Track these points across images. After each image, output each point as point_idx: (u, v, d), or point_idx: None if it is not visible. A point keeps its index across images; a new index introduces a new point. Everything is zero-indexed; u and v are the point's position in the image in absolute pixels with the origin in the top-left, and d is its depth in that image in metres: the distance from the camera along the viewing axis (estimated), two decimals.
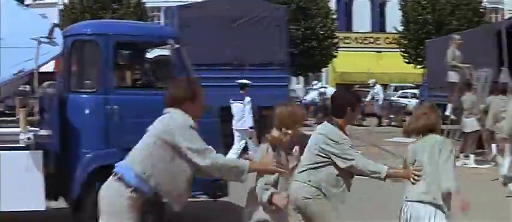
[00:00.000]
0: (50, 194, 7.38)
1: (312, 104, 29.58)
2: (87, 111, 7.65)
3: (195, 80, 5.68)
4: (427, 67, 23.96)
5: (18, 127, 7.13)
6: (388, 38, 44.00)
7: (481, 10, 37.48)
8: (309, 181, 5.36)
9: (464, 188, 5.28)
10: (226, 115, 13.45)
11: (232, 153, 13.62)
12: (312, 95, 30.38)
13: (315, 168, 5.39)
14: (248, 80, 15.36)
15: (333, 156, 5.37)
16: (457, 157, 11.35)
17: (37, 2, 49.62)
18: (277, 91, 15.55)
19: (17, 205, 7.06)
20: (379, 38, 49.64)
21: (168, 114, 4.64)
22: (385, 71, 43.20)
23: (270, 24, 17.05)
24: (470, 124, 14.64)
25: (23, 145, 7.05)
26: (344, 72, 44.35)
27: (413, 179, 5.27)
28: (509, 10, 44.14)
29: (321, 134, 5.52)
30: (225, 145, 10.95)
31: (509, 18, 24.07)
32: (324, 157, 5.38)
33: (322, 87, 31.56)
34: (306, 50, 35.50)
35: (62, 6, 41.66)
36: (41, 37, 7.25)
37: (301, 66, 36.44)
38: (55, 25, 7.74)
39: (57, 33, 7.60)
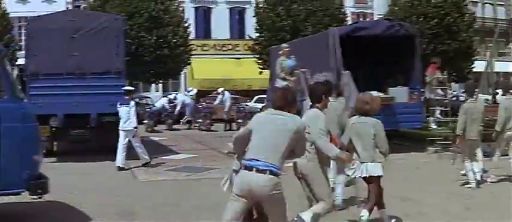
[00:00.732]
0: None
1: (163, 111, 30.57)
2: None
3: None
4: (271, 72, 25.38)
5: None
6: (247, 44, 44.44)
7: (341, 15, 38.66)
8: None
9: None
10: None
11: (120, 149, 15.27)
12: (162, 102, 31.37)
13: None
14: (89, 89, 16.56)
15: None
16: None
17: None
18: (114, 98, 16.04)
19: None
20: (238, 44, 50.82)
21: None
22: (245, 76, 44.59)
23: (108, 35, 17.36)
24: None
25: None
26: (204, 79, 45.25)
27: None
28: (379, 14, 45.20)
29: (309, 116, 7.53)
30: None
31: (351, 25, 25.83)
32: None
33: (171, 93, 32.99)
34: (158, 58, 36.00)
35: None
36: None
37: (155, 73, 37.41)
38: None
39: None
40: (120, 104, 15.56)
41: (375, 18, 46.87)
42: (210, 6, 55.32)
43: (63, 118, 16.82)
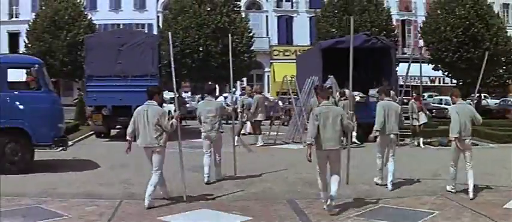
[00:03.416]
0: None
1: None
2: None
3: None
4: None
5: None
6: None
7: (389, 26, 43.95)
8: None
9: None
10: None
11: None
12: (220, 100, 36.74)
13: None
14: (130, 88, 21.86)
15: None
16: None
17: (12, 19, 57.36)
18: None
19: None
20: None
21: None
22: None
23: (146, 48, 22.84)
24: None
25: None
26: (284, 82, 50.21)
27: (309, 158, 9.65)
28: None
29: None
30: None
31: (334, 40, 29.73)
32: None
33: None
34: (223, 63, 41.12)
35: (28, 25, 47.56)
36: None
37: (221, 77, 42.90)
38: None
39: None
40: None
41: (418, 25, 50.28)
42: (292, 15, 60.94)
43: (111, 108, 22.85)
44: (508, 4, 62.09)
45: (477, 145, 21.99)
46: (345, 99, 19.32)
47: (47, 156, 16.09)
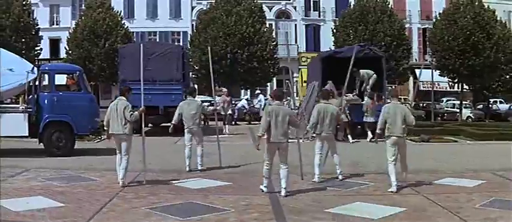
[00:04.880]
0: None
1: (241, 109, 39.78)
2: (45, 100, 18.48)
3: None
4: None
5: (18, 105, 18.32)
6: None
7: (403, 35, 47.49)
8: None
9: None
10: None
11: None
12: (242, 103, 40.63)
13: None
14: (158, 91, 25.29)
15: None
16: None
17: (53, 26, 61.21)
18: (174, 96, 25.08)
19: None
20: None
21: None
22: None
23: (171, 57, 26.67)
24: None
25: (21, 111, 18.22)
26: None
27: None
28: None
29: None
30: None
31: (332, 51, 33.52)
32: None
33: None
34: (249, 70, 45.29)
35: (68, 33, 51.16)
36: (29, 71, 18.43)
37: (247, 82, 46.83)
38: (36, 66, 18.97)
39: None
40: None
41: None
42: (319, 24, 64.49)
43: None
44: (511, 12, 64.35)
45: (456, 141, 25.81)
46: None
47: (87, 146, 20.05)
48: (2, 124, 17.22)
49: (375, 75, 26.00)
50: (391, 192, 12.26)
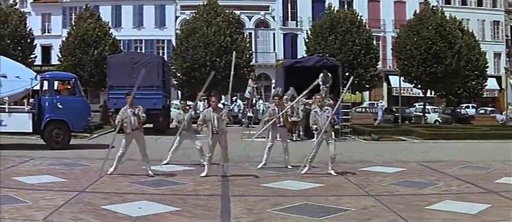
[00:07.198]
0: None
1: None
2: (46, 102, 22.20)
3: None
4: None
5: (24, 106, 22.06)
6: None
7: (371, 45, 50.95)
8: None
9: None
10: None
11: None
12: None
13: None
14: (141, 96, 29.12)
15: None
16: None
17: (45, 34, 64.56)
18: (156, 100, 29.45)
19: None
20: None
21: None
22: None
23: (153, 66, 30.43)
24: None
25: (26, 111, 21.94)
26: None
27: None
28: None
29: None
30: None
31: (294, 60, 36.94)
32: None
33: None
34: (226, 76, 48.49)
35: (60, 41, 54.76)
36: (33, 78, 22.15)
37: (225, 88, 49.88)
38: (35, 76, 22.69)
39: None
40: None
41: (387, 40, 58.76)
42: (296, 33, 68.32)
43: None
44: (484, 21, 68.73)
45: (405, 140, 29.11)
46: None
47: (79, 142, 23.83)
48: (10, 122, 20.95)
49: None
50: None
